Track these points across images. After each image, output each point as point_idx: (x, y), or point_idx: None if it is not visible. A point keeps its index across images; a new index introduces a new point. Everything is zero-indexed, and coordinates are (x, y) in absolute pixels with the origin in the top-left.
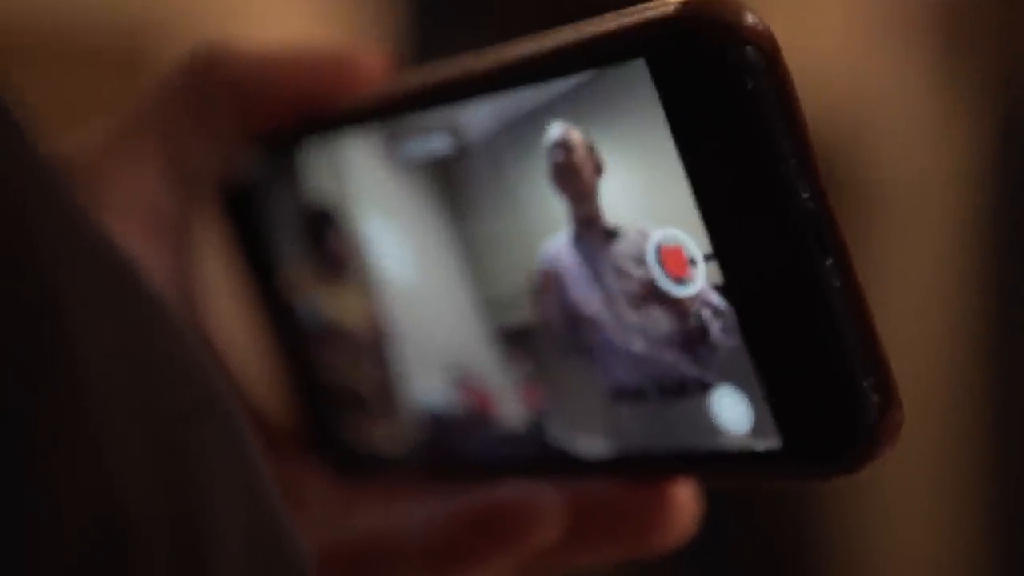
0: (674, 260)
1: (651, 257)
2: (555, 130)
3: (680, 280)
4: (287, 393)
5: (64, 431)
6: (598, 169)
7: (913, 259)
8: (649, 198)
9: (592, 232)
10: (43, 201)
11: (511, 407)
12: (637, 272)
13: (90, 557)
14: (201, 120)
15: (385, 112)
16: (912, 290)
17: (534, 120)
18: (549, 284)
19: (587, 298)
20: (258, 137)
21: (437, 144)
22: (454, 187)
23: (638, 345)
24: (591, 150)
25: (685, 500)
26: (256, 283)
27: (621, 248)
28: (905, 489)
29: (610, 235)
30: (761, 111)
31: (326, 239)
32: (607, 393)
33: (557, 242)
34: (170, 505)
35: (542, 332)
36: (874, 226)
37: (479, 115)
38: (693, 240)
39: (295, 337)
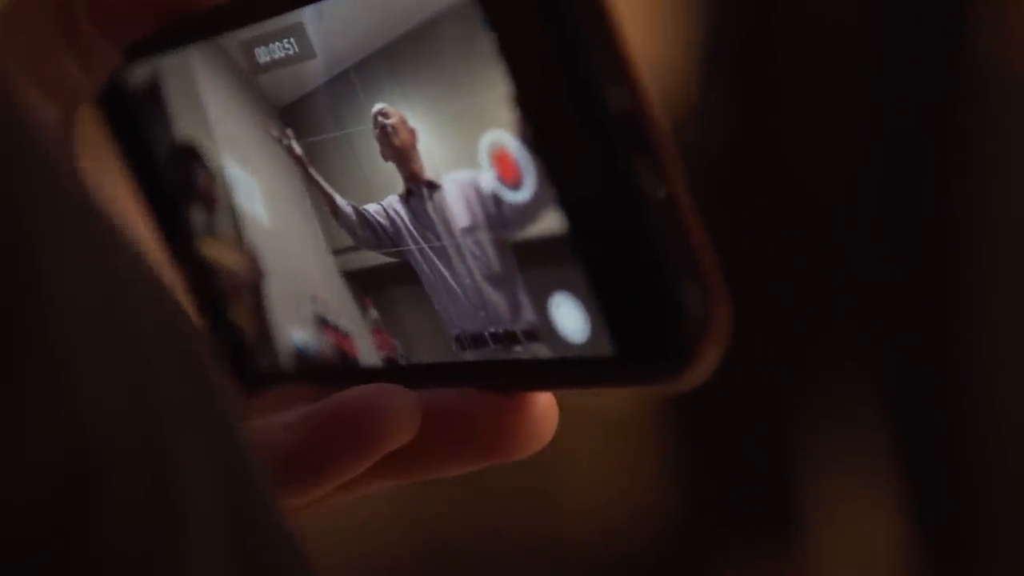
0: (505, 165)
1: (484, 163)
2: (374, 106)
3: (514, 185)
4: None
5: (30, 360)
6: (413, 134)
7: None
8: (478, 115)
9: (418, 186)
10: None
11: (365, 349)
12: (472, 202)
13: (61, 491)
14: (64, 26)
15: (235, 19)
16: None
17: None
18: (380, 238)
19: (418, 248)
20: (127, 48)
21: (281, 59)
22: (291, 126)
23: (477, 280)
24: (404, 121)
25: (543, 407)
26: (148, 205)
27: (450, 190)
28: None
29: (435, 186)
30: (566, 5)
31: (195, 174)
32: (451, 337)
33: (388, 198)
34: (141, 440)
35: (381, 282)
36: None
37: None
38: (522, 147)
39: (188, 262)
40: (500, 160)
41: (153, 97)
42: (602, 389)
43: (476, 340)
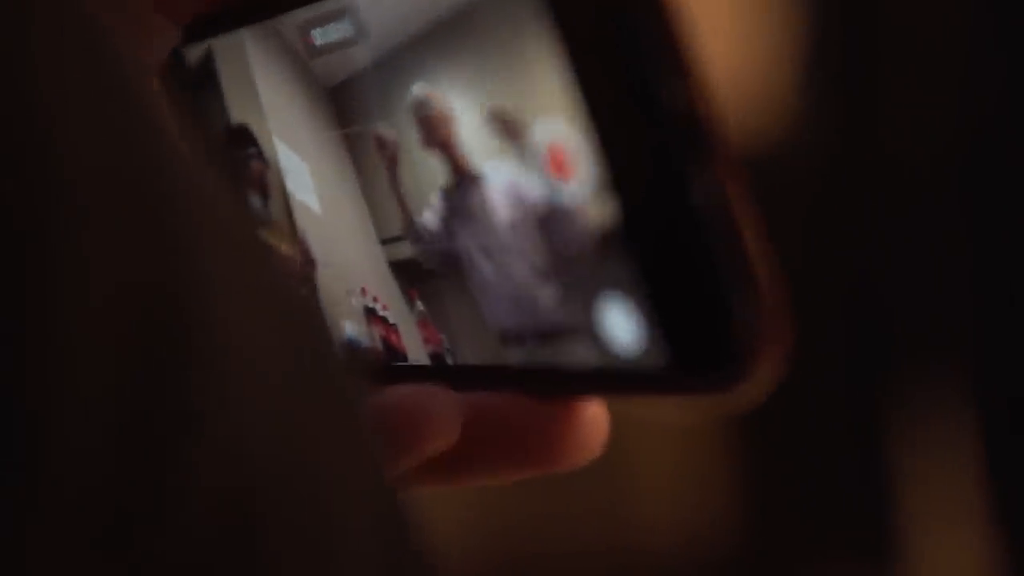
0: (556, 158)
1: (537, 160)
2: (415, 91)
3: (564, 180)
4: None
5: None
6: (456, 120)
7: None
8: (525, 105)
9: (463, 176)
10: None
11: (412, 342)
12: (521, 196)
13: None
14: (121, 3)
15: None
16: None
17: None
18: (427, 231)
19: (467, 243)
20: (185, 27)
21: (335, 41)
22: (339, 112)
23: (524, 277)
24: (448, 105)
25: (591, 417)
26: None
27: (496, 181)
28: None
29: (480, 177)
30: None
31: (249, 158)
32: (497, 335)
33: (432, 190)
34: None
35: (428, 275)
36: None
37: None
38: (575, 141)
39: None
40: (551, 153)
41: (208, 79)
42: (653, 399)
43: (521, 338)
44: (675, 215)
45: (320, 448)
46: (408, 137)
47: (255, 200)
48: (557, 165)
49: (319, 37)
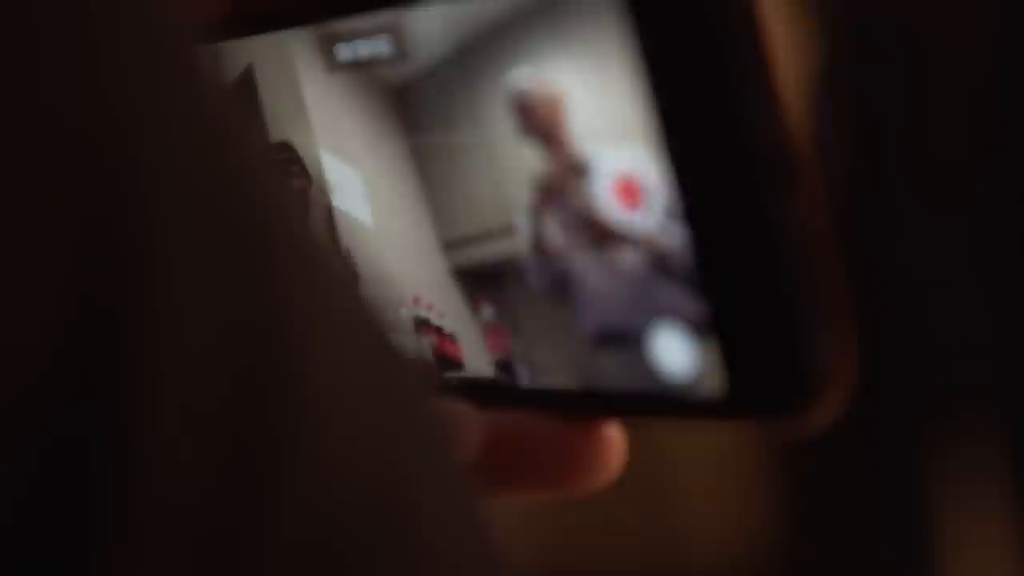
0: (629, 187)
1: (606, 187)
2: (516, 74)
3: (635, 210)
4: None
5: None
6: (561, 108)
7: None
8: (608, 126)
9: (558, 170)
10: None
11: (472, 350)
12: (597, 206)
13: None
14: None
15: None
16: None
17: (488, 45)
18: (514, 224)
19: (551, 239)
20: (216, 24)
21: (385, 54)
22: (407, 110)
23: (603, 285)
24: (554, 90)
25: (614, 440)
26: None
27: (585, 184)
28: None
29: (576, 171)
30: (725, 25)
31: (288, 173)
32: (576, 337)
33: (527, 179)
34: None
35: (507, 275)
36: None
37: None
38: (650, 167)
39: None
40: (623, 175)
41: (243, 88)
42: (702, 425)
43: (605, 343)
44: (756, 239)
45: (410, 489)
46: (498, 128)
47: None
48: (628, 192)
49: (367, 47)
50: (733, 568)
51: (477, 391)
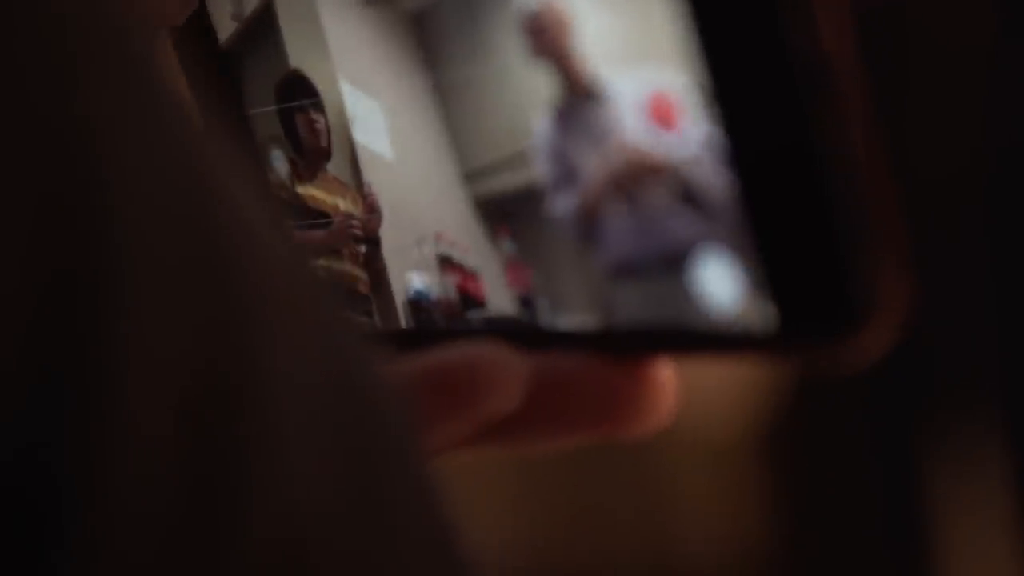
0: (663, 109)
1: (639, 108)
2: None
3: (670, 131)
4: None
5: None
6: (573, 27)
7: None
8: (635, 44)
9: (577, 93)
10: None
11: (494, 288)
12: (625, 129)
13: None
14: None
15: None
16: None
17: None
18: (534, 152)
19: (575, 166)
20: None
21: None
22: (423, 39)
23: (632, 213)
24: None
25: (665, 383)
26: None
27: (609, 107)
28: None
29: (596, 94)
30: None
31: (307, 108)
32: (599, 269)
33: (542, 105)
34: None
35: (529, 205)
36: None
37: None
38: (684, 87)
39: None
40: (659, 97)
41: (262, 23)
42: (756, 358)
43: (629, 274)
44: (796, 162)
45: (371, 489)
46: (509, 51)
47: (314, 153)
48: (663, 113)
49: None
50: (729, 569)
51: (512, 333)
